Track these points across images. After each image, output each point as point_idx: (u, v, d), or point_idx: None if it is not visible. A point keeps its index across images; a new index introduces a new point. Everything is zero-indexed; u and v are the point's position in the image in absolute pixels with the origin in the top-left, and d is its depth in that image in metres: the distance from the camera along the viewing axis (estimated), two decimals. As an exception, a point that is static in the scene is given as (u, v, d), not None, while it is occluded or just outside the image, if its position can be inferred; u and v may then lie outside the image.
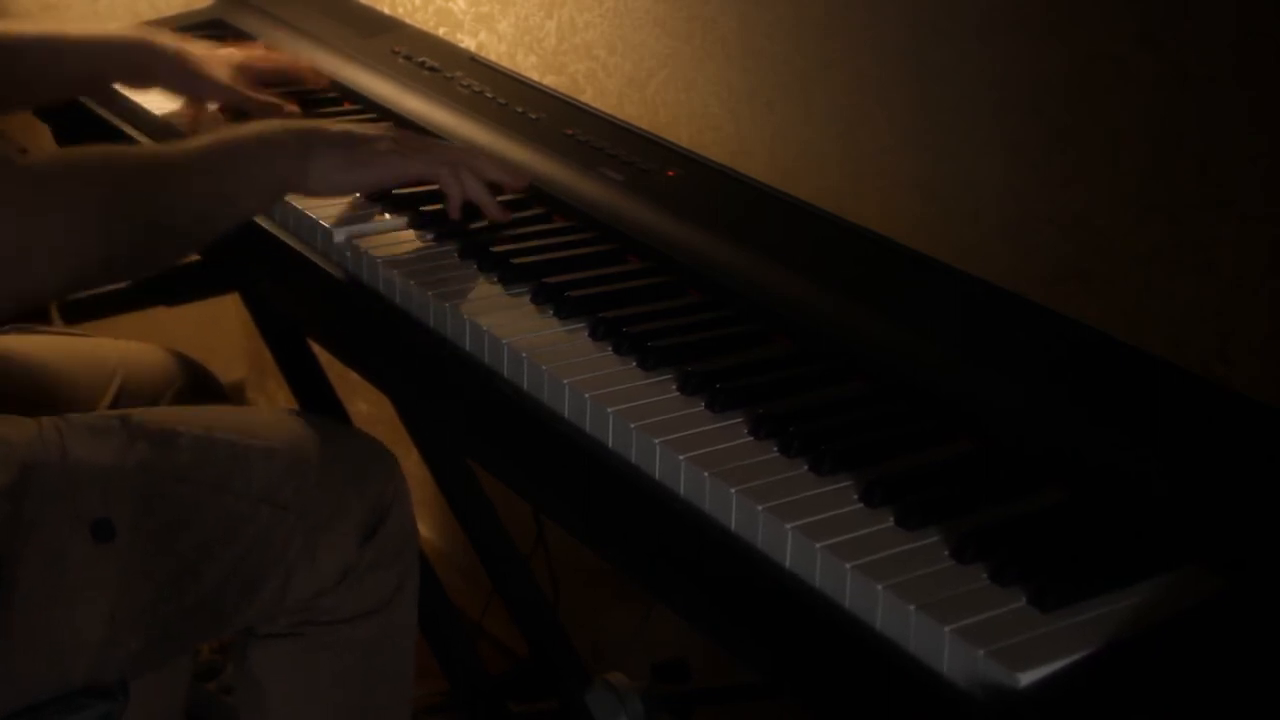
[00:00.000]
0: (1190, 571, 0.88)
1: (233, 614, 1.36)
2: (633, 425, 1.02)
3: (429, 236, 1.32)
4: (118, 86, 1.65)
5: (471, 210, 1.33)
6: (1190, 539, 0.90)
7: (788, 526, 0.91)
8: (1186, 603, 0.85)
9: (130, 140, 1.56)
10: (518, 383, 1.13)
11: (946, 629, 0.82)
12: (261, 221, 1.38)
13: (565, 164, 1.40)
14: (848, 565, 0.88)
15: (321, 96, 1.65)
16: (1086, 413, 1.01)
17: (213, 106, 1.59)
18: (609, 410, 1.04)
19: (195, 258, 1.55)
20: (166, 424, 1.35)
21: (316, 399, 1.88)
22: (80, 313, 1.69)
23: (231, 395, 2.05)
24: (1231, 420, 1.01)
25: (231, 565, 1.33)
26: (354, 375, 1.64)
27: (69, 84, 1.58)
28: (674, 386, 1.08)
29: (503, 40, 1.95)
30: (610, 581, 1.93)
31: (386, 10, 2.03)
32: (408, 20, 1.94)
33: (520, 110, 1.53)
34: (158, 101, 1.63)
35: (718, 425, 1.03)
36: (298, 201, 1.36)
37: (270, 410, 2.21)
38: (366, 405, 2.40)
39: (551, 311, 1.19)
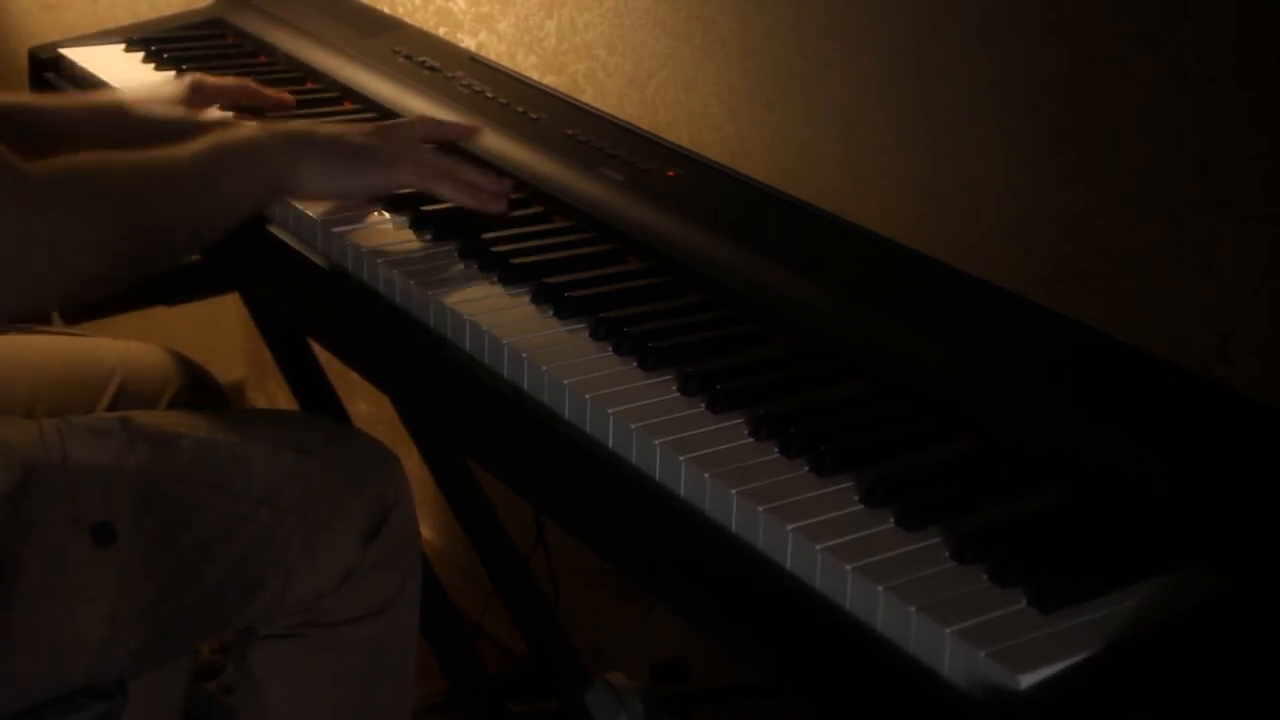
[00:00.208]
0: (1191, 572, 0.88)
1: (232, 614, 1.36)
2: (633, 426, 1.02)
3: (429, 236, 1.32)
4: (112, 83, 1.66)
5: (469, 212, 1.34)
6: (1191, 539, 0.90)
7: (788, 528, 0.91)
8: (1187, 603, 0.85)
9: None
10: (518, 383, 1.13)
11: (947, 630, 0.82)
12: (261, 221, 1.38)
13: (565, 164, 1.40)
14: (848, 566, 0.88)
15: (322, 96, 1.65)
16: (1086, 413, 1.01)
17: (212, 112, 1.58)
18: (609, 411, 1.04)
19: (195, 258, 1.55)
20: (167, 426, 1.35)
21: (316, 399, 1.88)
22: (79, 313, 1.69)
23: (231, 395, 2.05)
24: (1231, 420, 1.01)
25: (231, 566, 1.33)
26: (354, 375, 1.64)
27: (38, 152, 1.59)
28: (674, 387, 1.08)
29: (503, 40, 1.95)
30: (610, 581, 1.93)
31: (386, 10, 2.03)
32: (408, 20, 1.94)
33: (520, 110, 1.53)
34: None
35: (718, 426, 1.03)
36: (297, 201, 1.36)
37: (271, 412, 2.22)
38: (366, 405, 2.40)
39: (551, 311, 1.19)
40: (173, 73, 1.66)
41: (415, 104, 1.57)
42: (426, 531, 2.33)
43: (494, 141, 1.47)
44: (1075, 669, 0.80)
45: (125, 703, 1.27)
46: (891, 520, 0.92)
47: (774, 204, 1.34)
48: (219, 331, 2.63)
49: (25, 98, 1.56)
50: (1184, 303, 1.25)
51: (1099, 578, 0.86)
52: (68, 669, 1.25)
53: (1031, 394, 1.04)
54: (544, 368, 1.10)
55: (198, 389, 1.62)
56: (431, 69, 1.65)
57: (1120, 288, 1.30)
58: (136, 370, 1.57)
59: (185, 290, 1.86)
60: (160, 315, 1.81)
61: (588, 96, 1.78)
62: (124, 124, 1.50)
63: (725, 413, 1.04)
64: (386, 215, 1.36)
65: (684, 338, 1.14)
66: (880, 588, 0.86)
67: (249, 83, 1.59)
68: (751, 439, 1.01)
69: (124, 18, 2.30)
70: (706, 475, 0.97)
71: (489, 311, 1.18)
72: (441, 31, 2.02)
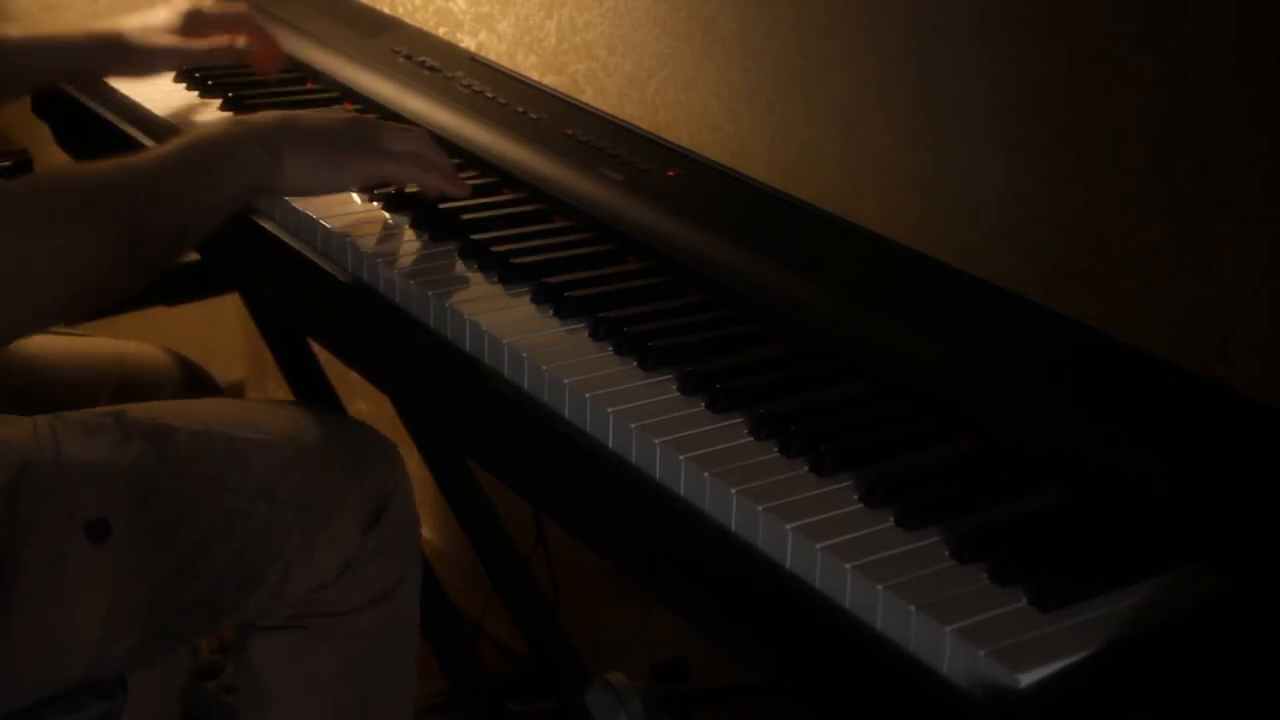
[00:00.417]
0: (1190, 571, 0.88)
1: (231, 609, 1.36)
2: (633, 425, 1.02)
3: (428, 236, 1.32)
4: (110, 82, 1.66)
5: (471, 210, 1.34)
6: (1190, 539, 0.90)
7: (788, 527, 0.91)
8: (1187, 603, 0.85)
9: (131, 139, 1.56)
10: (518, 383, 1.13)
11: (947, 629, 0.82)
12: (261, 221, 1.38)
13: (565, 164, 1.40)
14: (848, 566, 0.88)
15: (322, 96, 1.66)
16: (1086, 413, 1.01)
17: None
18: (609, 410, 1.04)
19: (195, 257, 1.55)
20: (162, 419, 1.34)
21: (316, 399, 1.88)
22: (79, 312, 1.69)
23: (231, 395, 2.05)
24: (1231, 420, 1.01)
25: (229, 561, 1.33)
26: (354, 375, 1.64)
27: (17, 87, 1.60)
28: (674, 387, 1.08)
29: (503, 40, 1.95)
30: (610, 581, 1.93)
31: (386, 10, 2.03)
32: (408, 20, 1.94)
33: (520, 110, 1.53)
34: (158, 100, 1.63)
35: (718, 425, 1.03)
36: (297, 201, 1.36)
37: (267, 403, 2.21)
38: (366, 405, 2.40)
39: (551, 311, 1.19)
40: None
41: (415, 104, 1.57)
42: (426, 531, 2.33)
43: (494, 141, 1.47)
44: (1075, 668, 0.80)
45: (125, 701, 1.28)
46: (891, 519, 0.92)
47: (774, 204, 1.34)
48: (219, 331, 2.63)
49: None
50: (1184, 303, 1.25)
51: (1099, 577, 0.86)
52: (66, 667, 1.25)
53: (1031, 394, 1.04)
54: (544, 367, 1.10)
55: (196, 388, 1.62)
56: (431, 69, 1.65)
57: (1120, 288, 1.30)
58: (135, 370, 1.58)
59: (185, 290, 1.86)
60: (160, 315, 1.81)
61: (588, 96, 1.78)
62: (115, 56, 1.52)
63: (725, 412, 1.04)
64: (387, 215, 1.36)
65: (684, 337, 1.14)
66: (880, 587, 0.86)
67: (249, 14, 1.60)
68: (751, 438, 1.01)
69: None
70: (706, 475, 0.97)
71: (489, 311, 1.18)
72: (441, 31, 2.02)
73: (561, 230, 1.34)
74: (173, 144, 1.24)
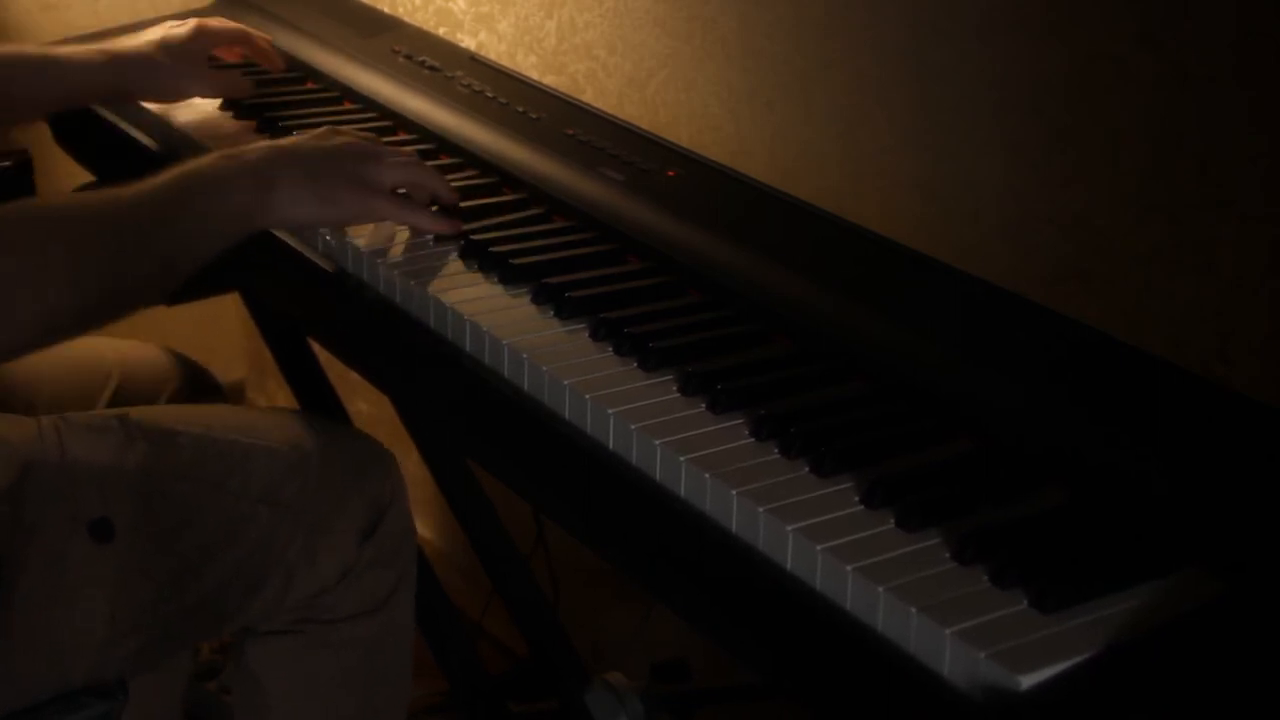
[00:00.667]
0: (1191, 574, 0.88)
1: (234, 613, 1.37)
2: (633, 426, 1.02)
3: (429, 236, 1.32)
4: None
5: (470, 211, 1.34)
6: (1191, 541, 0.90)
7: (789, 528, 0.91)
8: (1187, 605, 0.85)
9: (136, 142, 1.56)
10: (518, 383, 1.13)
11: (947, 631, 0.82)
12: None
13: (565, 164, 1.40)
14: (849, 567, 0.88)
15: (322, 96, 1.65)
16: (1086, 413, 1.01)
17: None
18: (609, 411, 1.04)
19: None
20: (165, 423, 1.34)
21: (316, 399, 1.88)
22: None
23: (231, 395, 2.05)
24: (1231, 420, 1.01)
25: (232, 565, 1.33)
26: (354, 375, 1.64)
27: (45, 105, 1.58)
28: (675, 387, 1.08)
29: (503, 40, 1.95)
30: (610, 581, 1.93)
31: (386, 10, 2.03)
32: (408, 20, 1.94)
33: (520, 110, 1.53)
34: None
35: (718, 426, 1.03)
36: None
37: (270, 410, 2.21)
38: (366, 405, 2.40)
39: (552, 312, 1.19)
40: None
41: (415, 104, 1.57)
42: (427, 531, 2.34)
43: (494, 141, 1.47)
44: (1075, 670, 0.80)
45: (126, 702, 1.28)
46: (892, 521, 0.92)
47: (774, 204, 1.34)
48: (219, 331, 2.63)
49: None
50: (1184, 303, 1.25)
51: (1099, 579, 0.86)
52: (68, 669, 1.25)
53: (1031, 394, 1.04)
54: (544, 368, 1.10)
55: (196, 388, 1.62)
56: (431, 69, 1.65)
57: (1120, 288, 1.30)
58: (135, 369, 1.58)
59: (185, 290, 1.86)
60: (160, 315, 1.80)
61: (588, 96, 1.78)
62: (144, 84, 1.52)
63: (725, 413, 1.04)
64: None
65: (684, 338, 1.14)
66: (881, 588, 0.86)
67: (248, 33, 1.61)
68: (752, 439, 1.01)
69: (124, 18, 2.29)
70: (707, 475, 0.97)
71: (489, 311, 1.18)
72: (441, 31, 2.02)
73: (562, 230, 1.34)
74: (161, 177, 1.21)
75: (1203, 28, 1.20)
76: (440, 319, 1.20)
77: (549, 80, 1.82)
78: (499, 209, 1.37)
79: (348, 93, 1.64)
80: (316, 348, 1.85)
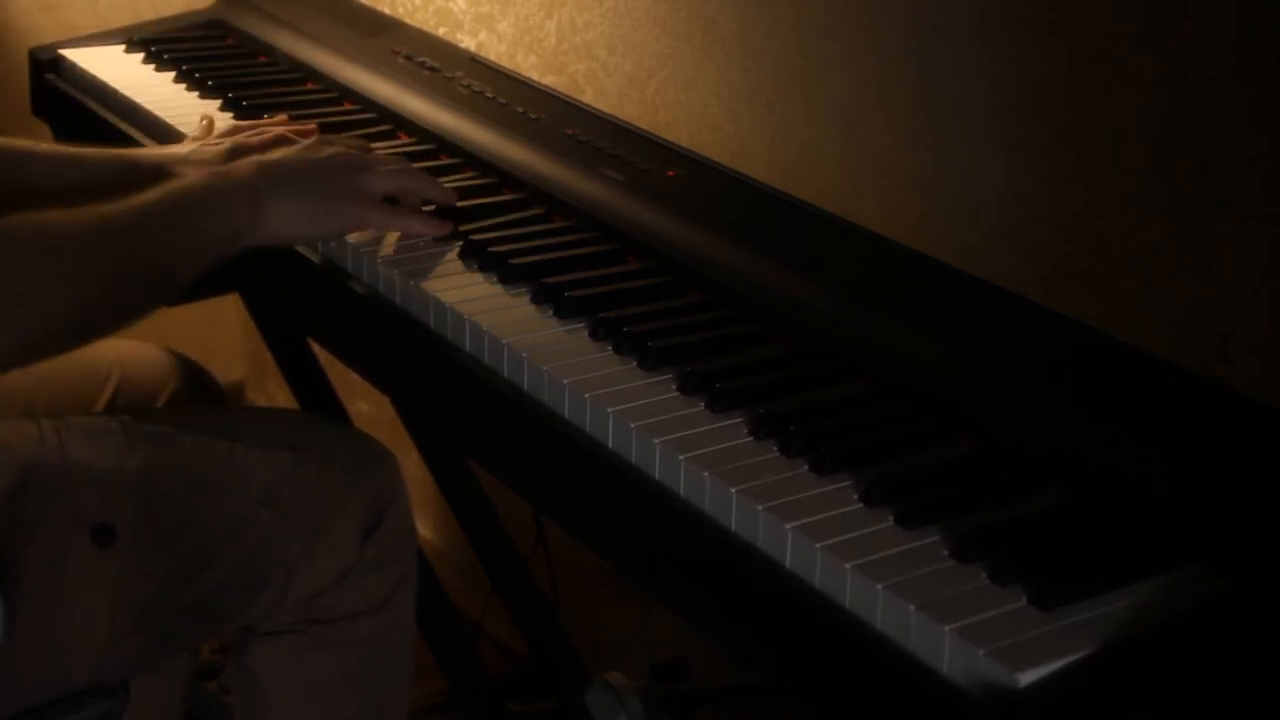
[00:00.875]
0: (1190, 572, 0.88)
1: (234, 614, 1.37)
2: (633, 425, 1.02)
3: (429, 236, 1.32)
4: (110, 83, 1.65)
5: (470, 211, 1.34)
6: (1190, 539, 0.90)
7: (788, 526, 0.91)
8: (1186, 603, 0.85)
9: (131, 141, 1.56)
10: (518, 383, 1.13)
11: (946, 628, 0.82)
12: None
13: (565, 164, 1.40)
14: (848, 565, 0.88)
15: (322, 97, 1.66)
16: (1086, 413, 1.01)
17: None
18: (609, 410, 1.04)
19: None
20: (166, 426, 1.35)
21: (316, 399, 1.88)
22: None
23: (231, 395, 2.05)
24: (1231, 420, 1.01)
25: (232, 567, 1.33)
26: (354, 375, 1.64)
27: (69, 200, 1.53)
28: (674, 386, 1.08)
29: (503, 40, 1.95)
30: (610, 581, 1.93)
31: (386, 10, 2.03)
32: (408, 20, 1.94)
33: (520, 110, 1.53)
34: (158, 101, 1.63)
35: (718, 425, 1.03)
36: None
37: (270, 410, 2.22)
38: (366, 405, 2.40)
39: (551, 311, 1.19)
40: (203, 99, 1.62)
41: (415, 104, 1.57)
42: (426, 531, 2.34)
43: (494, 142, 1.47)
44: (1074, 668, 0.80)
45: (127, 702, 1.28)
46: (891, 519, 0.92)
47: (774, 204, 1.34)
48: (219, 331, 2.63)
49: (43, 147, 1.44)
50: (1184, 303, 1.25)
51: (1098, 577, 0.86)
52: (69, 670, 1.25)
53: (1031, 394, 1.04)
54: (544, 368, 1.10)
55: (195, 388, 1.62)
56: (431, 69, 1.65)
57: (1120, 288, 1.30)
58: (134, 369, 1.57)
59: (185, 291, 1.86)
60: (160, 315, 1.79)
61: (588, 96, 1.78)
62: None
63: (725, 412, 1.04)
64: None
65: (683, 337, 1.14)
66: (879, 586, 0.86)
67: (284, 126, 1.49)
68: (751, 438, 1.01)
69: (124, 18, 2.30)
70: (706, 474, 0.97)
71: (489, 311, 1.18)
72: (441, 31, 2.02)
73: (561, 230, 1.34)
74: (153, 192, 1.21)
75: (1203, 28, 1.20)
76: (440, 319, 1.20)
77: (549, 80, 1.82)
78: (499, 209, 1.37)
79: (348, 93, 1.65)
80: (316, 348, 1.85)
